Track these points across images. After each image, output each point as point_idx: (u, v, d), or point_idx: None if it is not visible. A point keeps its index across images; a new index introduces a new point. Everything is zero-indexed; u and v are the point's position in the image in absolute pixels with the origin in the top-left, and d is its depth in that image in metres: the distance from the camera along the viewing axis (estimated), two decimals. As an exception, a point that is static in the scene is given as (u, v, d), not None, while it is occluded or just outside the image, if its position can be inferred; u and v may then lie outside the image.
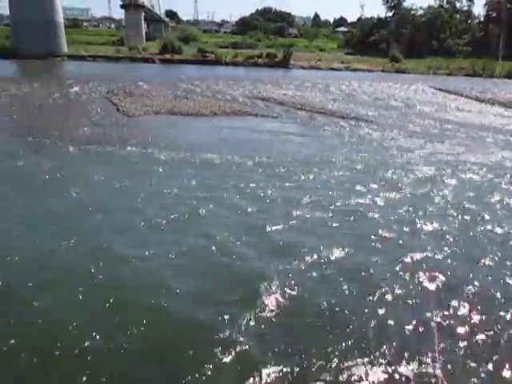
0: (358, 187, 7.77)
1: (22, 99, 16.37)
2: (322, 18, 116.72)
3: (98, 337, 3.71)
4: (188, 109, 15.47)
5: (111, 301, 4.19)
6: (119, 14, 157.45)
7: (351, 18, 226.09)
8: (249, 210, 6.55)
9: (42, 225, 5.88)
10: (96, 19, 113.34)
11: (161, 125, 13.21)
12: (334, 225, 6.12)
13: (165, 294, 4.35)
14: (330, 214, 6.48)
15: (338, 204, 6.91)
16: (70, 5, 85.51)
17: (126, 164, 8.82)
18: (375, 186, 7.89)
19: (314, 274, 4.80)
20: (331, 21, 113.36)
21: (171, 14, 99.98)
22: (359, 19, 74.10)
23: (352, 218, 6.37)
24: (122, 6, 54.86)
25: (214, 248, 5.30)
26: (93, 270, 4.68)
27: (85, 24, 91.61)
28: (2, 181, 7.63)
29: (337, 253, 5.27)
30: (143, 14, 55.69)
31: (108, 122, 12.96)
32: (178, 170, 8.51)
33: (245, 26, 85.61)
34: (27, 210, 6.32)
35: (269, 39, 64.95)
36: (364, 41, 61.56)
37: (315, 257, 5.15)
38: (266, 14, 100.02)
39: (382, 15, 67.74)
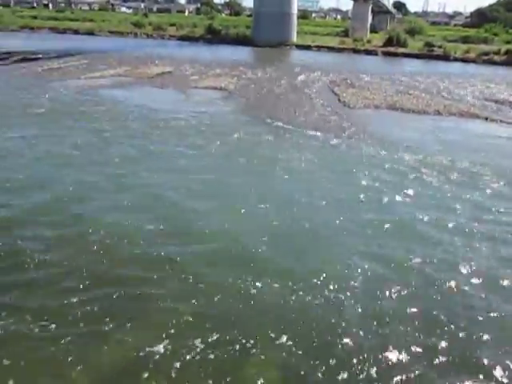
0: None
1: (256, 83, 18.38)
2: None
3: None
4: (410, 105, 14.95)
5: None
6: (347, 5, 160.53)
7: None
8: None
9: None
10: (324, 10, 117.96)
11: (381, 120, 13.14)
12: None
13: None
14: None
15: None
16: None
17: (353, 157, 9.17)
18: None
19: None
20: None
21: (399, 6, 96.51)
22: None
23: None
24: (353, -2, 55.65)
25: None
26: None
27: (313, 15, 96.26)
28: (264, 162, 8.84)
29: None
30: (371, 5, 55.29)
31: (329, 112, 13.53)
32: (403, 173, 8.43)
33: (480, 17, 76.54)
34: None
35: (508, 33, 56.87)
36: None
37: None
38: (509, 4, 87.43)
39: None
